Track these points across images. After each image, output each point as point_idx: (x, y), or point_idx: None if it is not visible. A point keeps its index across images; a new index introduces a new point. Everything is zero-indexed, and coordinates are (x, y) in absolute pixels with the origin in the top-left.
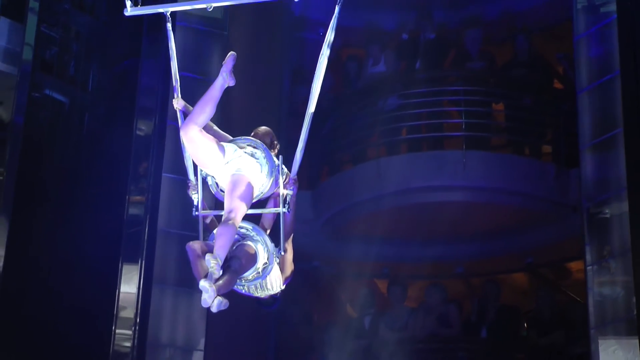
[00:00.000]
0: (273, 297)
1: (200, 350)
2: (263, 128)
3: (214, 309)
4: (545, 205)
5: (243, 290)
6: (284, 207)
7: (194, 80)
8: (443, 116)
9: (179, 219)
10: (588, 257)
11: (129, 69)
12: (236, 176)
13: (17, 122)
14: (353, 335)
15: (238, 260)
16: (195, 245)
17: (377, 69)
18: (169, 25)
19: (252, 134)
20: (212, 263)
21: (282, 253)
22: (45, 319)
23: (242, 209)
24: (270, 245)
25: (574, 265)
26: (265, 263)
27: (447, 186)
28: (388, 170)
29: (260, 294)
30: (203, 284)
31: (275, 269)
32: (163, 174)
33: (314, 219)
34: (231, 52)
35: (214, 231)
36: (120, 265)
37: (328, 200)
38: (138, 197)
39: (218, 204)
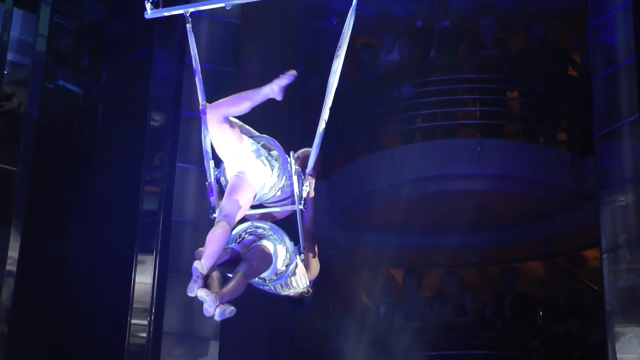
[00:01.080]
0: (303, 295)
1: (216, 339)
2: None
3: (217, 318)
4: (560, 193)
5: (269, 289)
6: (300, 204)
7: (205, 69)
8: (458, 105)
9: (193, 208)
10: (604, 245)
11: (142, 59)
12: (238, 178)
13: (31, 113)
14: (368, 325)
15: (248, 263)
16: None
17: (391, 58)
18: (189, 26)
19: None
20: (199, 269)
21: (303, 250)
22: (61, 309)
23: (237, 215)
24: (290, 244)
25: (590, 254)
26: (287, 262)
27: (462, 174)
28: (403, 159)
29: (287, 292)
30: (200, 293)
31: (299, 266)
32: (177, 164)
33: (328, 208)
34: (293, 71)
35: (233, 233)
36: (135, 255)
37: (343, 189)
38: (152, 188)
39: None
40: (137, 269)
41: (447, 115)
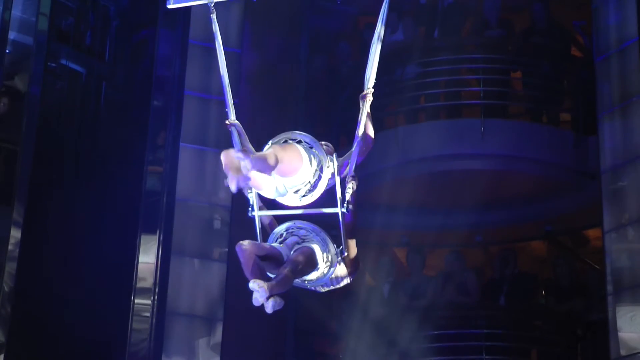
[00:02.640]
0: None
1: (220, 319)
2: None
3: (268, 310)
4: (563, 173)
5: (310, 288)
6: (343, 206)
7: (207, 49)
8: (461, 84)
9: (197, 189)
10: (606, 224)
11: (146, 38)
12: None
13: (33, 93)
14: (372, 304)
15: (295, 263)
16: (247, 247)
17: (395, 38)
18: (214, 17)
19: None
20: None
21: (345, 254)
22: (64, 289)
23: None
24: (332, 247)
25: (592, 233)
26: (328, 263)
27: (465, 154)
28: (406, 138)
29: (327, 289)
30: (252, 285)
31: (339, 268)
32: (181, 144)
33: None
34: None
35: (275, 230)
36: (138, 235)
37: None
38: (156, 168)
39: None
40: (141, 249)
41: (451, 95)
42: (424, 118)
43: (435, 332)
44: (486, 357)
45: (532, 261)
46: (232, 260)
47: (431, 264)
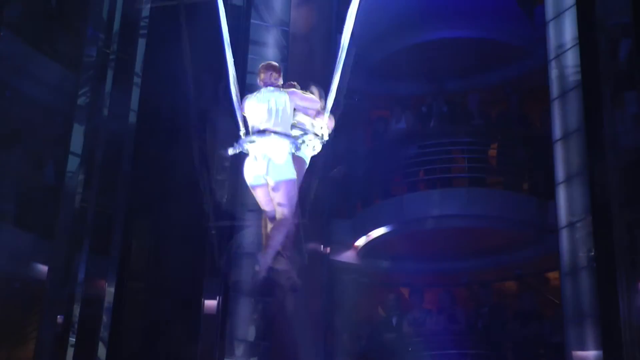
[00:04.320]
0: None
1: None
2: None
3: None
4: (529, 229)
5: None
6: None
7: None
8: (451, 161)
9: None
10: (563, 268)
11: None
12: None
13: None
14: (383, 330)
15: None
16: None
17: (400, 126)
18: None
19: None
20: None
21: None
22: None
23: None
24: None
25: (552, 275)
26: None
27: (455, 215)
28: (409, 203)
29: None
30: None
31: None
32: None
33: (352, 241)
34: None
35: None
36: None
37: (362, 227)
38: None
39: None
40: None
41: (443, 169)
42: (423, 187)
43: (432, 352)
44: None
45: (505, 297)
46: None
47: (429, 300)
